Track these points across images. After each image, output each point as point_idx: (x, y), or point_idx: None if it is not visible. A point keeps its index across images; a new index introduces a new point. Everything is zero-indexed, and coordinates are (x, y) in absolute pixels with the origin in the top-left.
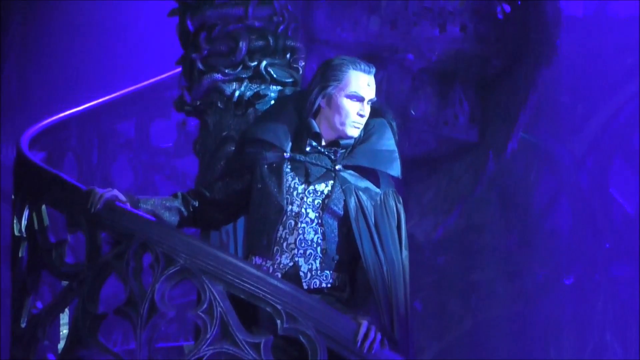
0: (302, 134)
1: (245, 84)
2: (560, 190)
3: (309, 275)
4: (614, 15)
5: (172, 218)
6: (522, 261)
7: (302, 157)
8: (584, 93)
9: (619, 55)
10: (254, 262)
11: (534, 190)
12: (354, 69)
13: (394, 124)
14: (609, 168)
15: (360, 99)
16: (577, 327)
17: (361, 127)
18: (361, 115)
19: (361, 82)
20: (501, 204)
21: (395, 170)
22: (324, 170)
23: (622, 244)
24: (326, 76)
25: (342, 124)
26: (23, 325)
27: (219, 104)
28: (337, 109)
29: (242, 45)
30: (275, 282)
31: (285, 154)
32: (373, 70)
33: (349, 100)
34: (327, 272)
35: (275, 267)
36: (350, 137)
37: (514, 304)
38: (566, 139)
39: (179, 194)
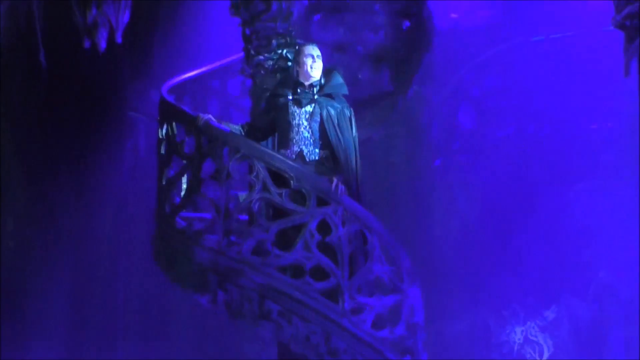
0: (296, 84)
1: (275, 61)
2: (434, 116)
3: (308, 154)
4: (463, 29)
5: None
6: (411, 153)
7: (297, 96)
8: (447, 67)
9: (462, 49)
10: (281, 152)
11: (419, 116)
12: (305, 45)
13: (340, 72)
14: (459, 106)
15: (310, 56)
16: (442, 198)
17: (317, 72)
18: (314, 63)
19: (310, 49)
20: (404, 123)
21: (344, 90)
22: (309, 99)
23: (464, 144)
24: (297, 52)
25: (306, 71)
26: (163, 182)
27: (262, 72)
28: (302, 65)
29: (274, 42)
30: (289, 162)
31: (289, 97)
32: (315, 45)
33: (305, 58)
34: (317, 150)
35: (290, 152)
36: (313, 77)
37: (407, 175)
38: (438, 91)
39: (240, 124)
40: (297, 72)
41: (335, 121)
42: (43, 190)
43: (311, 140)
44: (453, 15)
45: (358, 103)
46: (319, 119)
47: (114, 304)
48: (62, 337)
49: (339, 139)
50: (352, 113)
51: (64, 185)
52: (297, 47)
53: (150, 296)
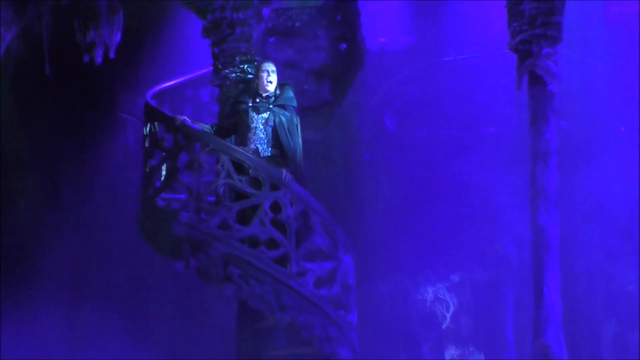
0: (255, 94)
1: (238, 74)
2: (365, 120)
3: (262, 151)
4: (389, 50)
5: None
6: (346, 149)
7: (256, 104)
8: (376, 81)
9: (388, 67)
10: (241, 148)
11: (353, 120)
12: (263, 63)
13: (292, 88)
14: (385, 112)
15: (267, 72)
16: (370, 185)
17: (272, 86)
18: (268, 77)
19: (266, 66)
20: (340, 125)
21: (294, 103)
22: (265, 107)
23: (389, 142)
24: (256, 68)
25: (263, 84)
26: (147, 170)
27: (227, 83)
28: (260, 79)
29: (237, 59)
30: (249, 155)
31: (249, 105)
32: (271, 62)
33: (262, 73)
34: (269, 149)
35: (248, 150)
36: (268, 91)
37: (343, 167)
38: (368, 100)
39: (210, 124)
40: (257, 84)
41: (286, 126)
42: (50, 176)
43: (265, 141)
44: (381, 39)
45: (304, 109)
46: (272, 124)
47: (108, 270)
48: (64, 299)
49: (289, 141)
50: (299, 121)
51: (67, 172)
52: (257, 64)
53: (136, 262)
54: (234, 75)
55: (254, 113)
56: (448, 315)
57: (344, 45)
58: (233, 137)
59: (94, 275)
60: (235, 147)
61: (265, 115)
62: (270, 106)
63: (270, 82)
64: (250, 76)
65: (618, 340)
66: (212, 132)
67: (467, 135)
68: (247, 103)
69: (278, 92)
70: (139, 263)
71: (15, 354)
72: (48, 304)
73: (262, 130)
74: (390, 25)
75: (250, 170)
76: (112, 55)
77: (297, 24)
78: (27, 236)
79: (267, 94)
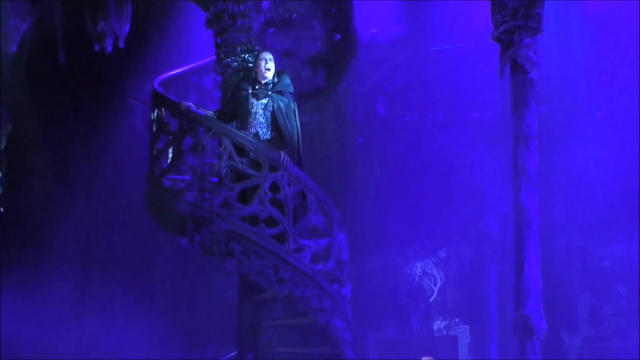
0: (255, 82)
1: (239, 62)
2: (358, 105)
3: (262, 134)
4: (380, 40)
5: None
6: (340, 133)
7: (255, 91)
8: (367, 69)
9: (379, 56)
10: (242, 132)
11: (347, 105)
12: (262, 52)
13: (289, 75)
14: (376, 98)
15: (265, 60)
16: (363, 166)
17: (270, 73)
18: (266, 65)
19: (265, 54)
20: (335, 110)
21: (291, 89)
22: (264, 94)
23: (380, 126)
24: (255, 57)
25: (262, 72)
26: (154, 153)
27: (229, 71)
28: (259, 67)
29: (238, 48)
30: (249, 138)
31: (249, 91)
32: (269, 52)
33: (261, 62)
34: (269, 132)
35: (249, 133)
36: (267, 78)
37: (337, 149)
38: (360, 87)
39: (213, 110)
40: (256, 72)
41: (284, 111)
42: (61, 157)
43: (265, 125)
44: (373, 30)
45: (300, 95)
46: (271, 109)
47: (115, 244)
48: (74, 271)
49: (286, 125)
50: (296, 106)
51: (77, 153)
52: (256, 53)
53: (142, 237)
54: (235, 63)
55: (254, 99)
56: (435, 289)
57: (338, 36)
58: (235, 122)
59: (101, 249)
60: (236, 131)
61: (264, 101)
62: (269, 92)
63: (269, 69)
64: (250, 65)
65: (593, 312)
66: (215, 117)
67: (454, 119)
68: (247, 90)
69: (276, 79)
70: (145, 239)
71: (27, 322)
72: (58, 276)
73: (262, 115)
74: (382, 17)
75: (250, 153)
76: (121, 45)
77: (294, 15)
78: (39, 212)
79: (265, 81)
